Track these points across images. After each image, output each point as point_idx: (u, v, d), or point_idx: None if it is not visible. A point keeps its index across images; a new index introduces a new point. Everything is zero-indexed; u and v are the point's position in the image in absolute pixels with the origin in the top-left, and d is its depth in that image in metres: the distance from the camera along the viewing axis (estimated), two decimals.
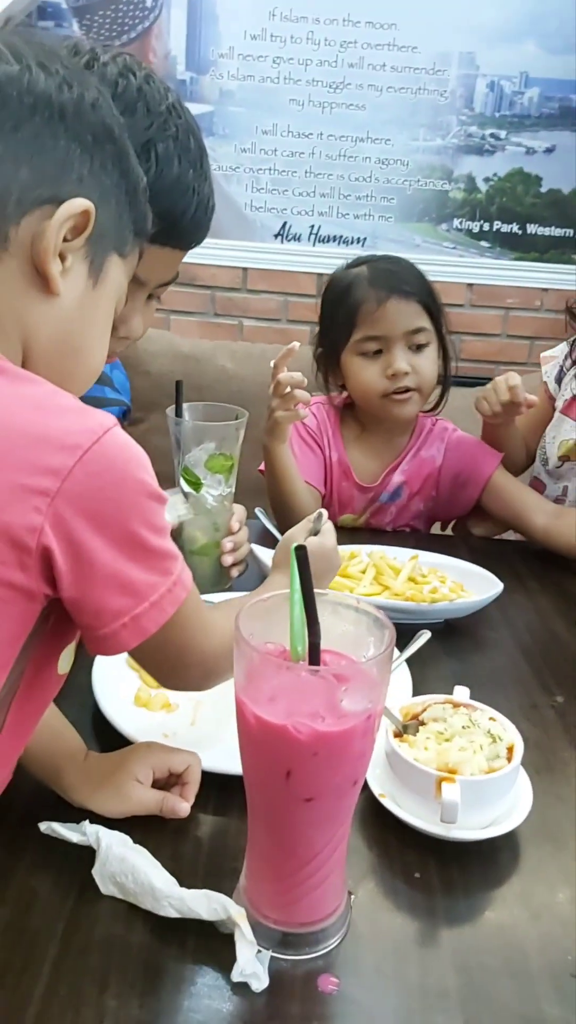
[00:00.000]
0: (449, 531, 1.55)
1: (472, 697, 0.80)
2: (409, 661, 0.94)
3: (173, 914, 0.60)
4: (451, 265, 2.46)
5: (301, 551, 0.56)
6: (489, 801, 0.70)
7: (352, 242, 2.48)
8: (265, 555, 1.12)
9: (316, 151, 2.42)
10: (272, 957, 0.59)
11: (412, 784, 0.70)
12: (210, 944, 0.60)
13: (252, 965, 0.57)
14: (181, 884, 0.62)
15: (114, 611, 0.55)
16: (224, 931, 0.60)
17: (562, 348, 1.52)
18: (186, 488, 0.99)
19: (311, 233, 2.46)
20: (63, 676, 0.62)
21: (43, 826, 0.67)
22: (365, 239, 2.48)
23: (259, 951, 0.59)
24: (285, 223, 2.48)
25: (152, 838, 0.67)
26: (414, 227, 2.47)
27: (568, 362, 1.47)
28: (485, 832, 0.69)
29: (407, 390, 1.32)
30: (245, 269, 2.51)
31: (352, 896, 0.65)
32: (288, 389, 1.17)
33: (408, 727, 0.75)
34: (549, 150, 2.40)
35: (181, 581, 0.58)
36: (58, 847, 0.67)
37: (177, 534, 1.03)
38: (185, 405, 0.99)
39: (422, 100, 2.37)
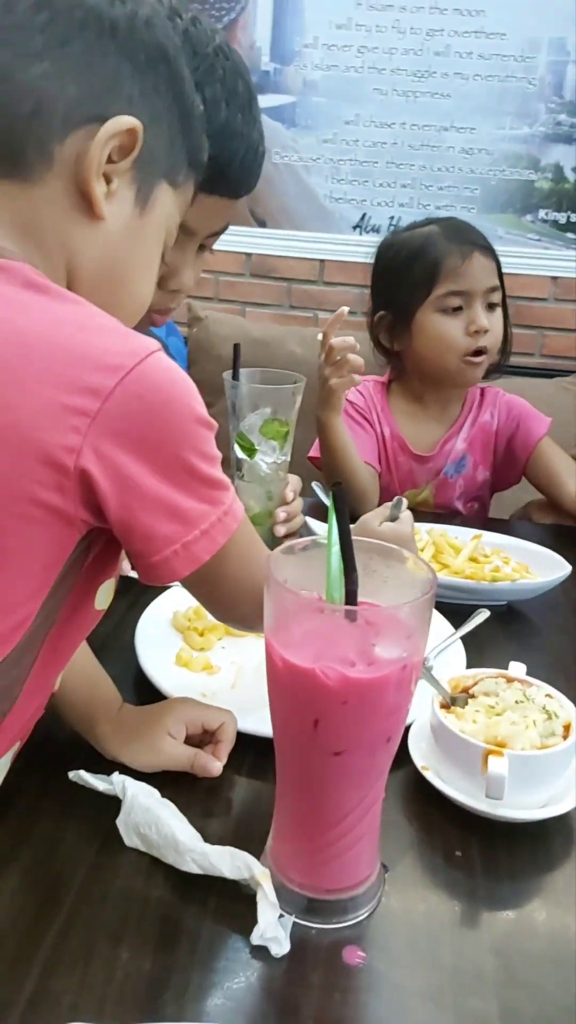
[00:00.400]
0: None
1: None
2: (465, 641, 0.90)
3: (195, 869, 0.58)
4: (535, 257, 2.38)
5: (339, 490, 0.53)
6: (541, 779, 0.65)
7: None
8: (320, 529, 1.08)
9: (399, 141, 2.38)
10: (295, 923, 0.56)
11: (457, 757, 0.66)
12: (233, 906, 0.57)
13: (273, 929, 0.54)
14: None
15: (164, 536, 0.52)
16: (247, 892, 0.57)
17: None
18: (240, 454, 0.97)
19: (391, 224, 2.42)
20: (100, 612, 0.61)
21: (72, 774, 0.66)
22: None
23: (282, 915, 0.56)
24: (364, 214, 2.45)
25: (183, 796, 0.65)
26: (497, 218, 2.39)
27: None
28: (536, 813, 0.64)
29: (480, 353, 1.31)
30: (322, 261, 2.48)
31: (387, 870, 0.61)
32: (340, 356, 1.14)
33: (457, 699, 0.71)
34: None
35: (232, 511, 0.56)
36: (87, 797, 0.65)
37: None
38: (242, 371, 0.97)
39: (509, 87, 2.30)
